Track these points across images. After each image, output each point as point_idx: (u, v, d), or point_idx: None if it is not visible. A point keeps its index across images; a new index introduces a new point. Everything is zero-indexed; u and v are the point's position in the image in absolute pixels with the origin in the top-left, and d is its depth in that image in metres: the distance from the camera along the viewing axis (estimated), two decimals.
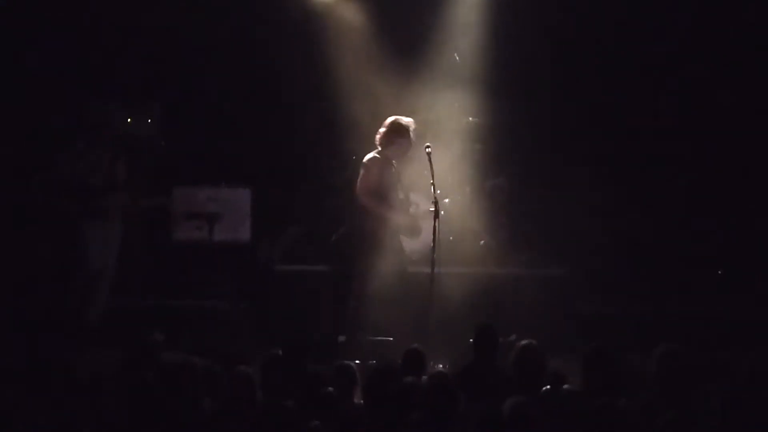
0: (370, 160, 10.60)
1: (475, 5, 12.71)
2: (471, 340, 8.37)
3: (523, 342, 7.73)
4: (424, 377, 7.50)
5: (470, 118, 12.55)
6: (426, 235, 10.62)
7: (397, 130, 10.59)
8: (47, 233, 11.32)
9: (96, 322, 10.75)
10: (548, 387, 7.17)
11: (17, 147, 12.07)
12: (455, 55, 12.60)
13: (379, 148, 10.63)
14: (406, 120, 10.62)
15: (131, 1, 12.49)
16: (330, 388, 7.05)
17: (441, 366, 9.30)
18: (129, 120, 12.37)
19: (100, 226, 10.71)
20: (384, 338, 10.35)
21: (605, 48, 12.86)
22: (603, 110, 12.91)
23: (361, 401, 7.28)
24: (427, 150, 10.42)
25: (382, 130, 10.63)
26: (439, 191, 10.40)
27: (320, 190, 12.44)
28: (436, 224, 10.25)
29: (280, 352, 7.75)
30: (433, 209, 10.27)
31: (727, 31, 12.75)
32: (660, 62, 12.89)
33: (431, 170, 10.32)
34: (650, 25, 12.79)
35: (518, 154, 12.85)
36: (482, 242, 12.20)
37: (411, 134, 10.60)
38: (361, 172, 10.59)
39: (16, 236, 11.79)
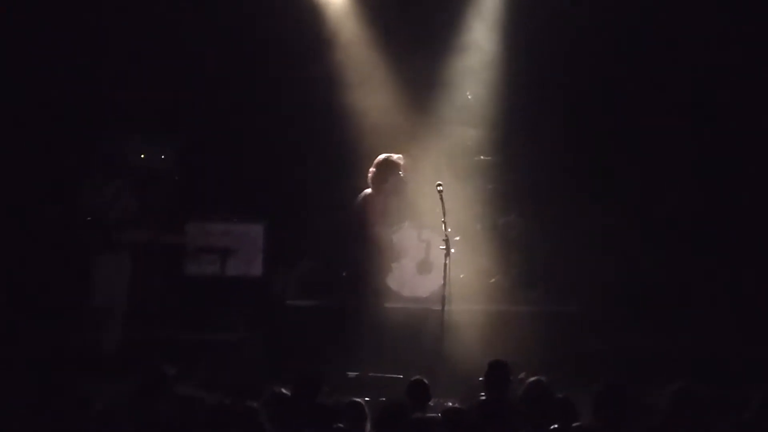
0: (366, 196, 10.69)
1: (487, 44, 12.79)
2: (481, 378, 8.39)
3: (532, 379, 7.75)
4: (432, 414, 7.51)
5: (481, 156, 12.61)
6: (437, 273, 10.69)
7: (389, 167, 10.68)
8: (58, 266, 11.39)
9: (112, 353, 10.78)
10: (556, 425, 7.18)
11: (33, 180, 12.14)
12: (467, 93, 12.68)
13: (372, 186, 10.72)
14: (396, 157, 10.73)
15: (147, 38, 12.60)
16: (340, 425, 7.06)
17: (450, 403, 9.32)
18: (143, 155, 12.44)
19: (110, 260, 10.76)
20: (394, 375, 10.37)
21: (619, 87, 12.92)
22: (615, 149, 12.96)
23: None
24: (438, 188, 10.51)
25: (373, 168, 10.72)
26: (450, 229, 10.47)
27: (332, 226, 12.48)
28: (447, 262, 10.33)
29: (285, 389, 7.75)
30: (444, 247, 10.34)
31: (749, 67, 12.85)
32: (677, 102, 12.95)
33: (443, 208, 10.40)
34: (667, 63, 12.86)
35: (529, 191, 12.89)
36: (493, 279, 12.23)
37: (402, 171, 10.69)
38: (363, 208, 10.67)
39: (28, 268, 11.84)
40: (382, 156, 10.77)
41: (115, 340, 10.87)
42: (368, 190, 10.77)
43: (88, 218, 10.70)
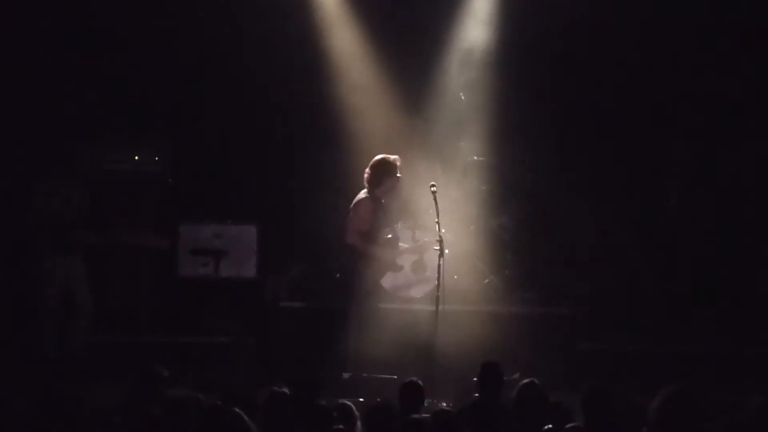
0: (360, 201, 10.71)
1: (480, 45, 12.80)
2: (475, 378, 8.40)
3: (525, 380, 7.76)
4: (425, 415, 7.52)
5: (475, 157, 12.62)
6: (431, 273, 10.70)
7: (385, 168, 10.69)
8: (9, 267, 11.37)
9: (76, 355, 10.75)
10: (550, 426, 7.18)
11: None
12: (461, 94, 12.68)
13: (368, 187, 10.72)
14: (392, 157, 10.74)
15: (141, 40, 12.60)
16: (340, 426, 7.06)
17: (444, 404, 9.34)
18: (136, 157, 12.44)
19: (62, 261, 10.70)
20: (388, 376, 10.37)
21: (612, 88, 12.92)
22: (608, 150, 12.97)
23: None
24: (432, 189, 10.52)
25: (369, 170, 10.72)
26: (444, 230, 10.48)
27: (326, 228, 12.49)
28: (441, 262, 10.33)
29: (285, 390, 7.75)
30: (437, 248, 10.35)
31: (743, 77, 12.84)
32: (668, 103, 12.96)
33: (436, 209, 10.42)
34: (657, 66, 12.87)
35: (523, 192, 12.90)
36: (487, 281, 12.24)
37: (398, 171, 10.71)
38: (352, 213, 10.70)
39: None
40: (378, 157, 10.78)
41: (81, 340, 10.81)
42: (364, 192, 10.77)
43: (45, 219, 10.63)
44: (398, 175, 10.75)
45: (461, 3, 12.84)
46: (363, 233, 10.67)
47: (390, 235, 11.27)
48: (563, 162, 12.86)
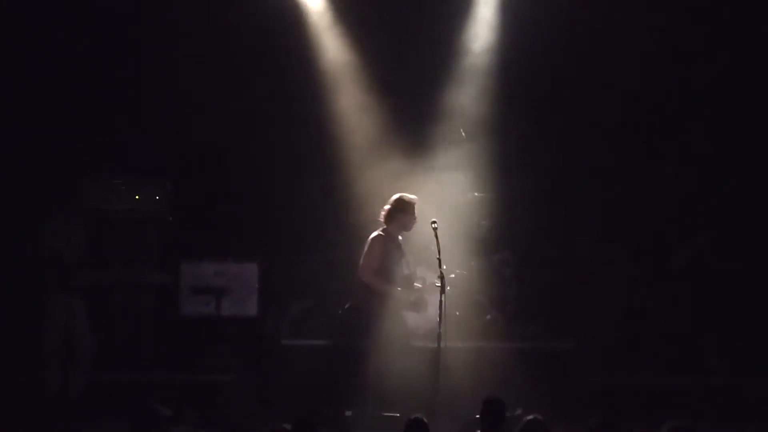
0: (374, 238, 10.68)
1: (479, 81, 12.84)
2: (477, 415, 8.37)
3: (529, 417, 7.73)
4: None
5: (476, 193, 12.63)
6: (432, 310, 10.67)
7: (402, 207, 10.68)
8: (11, 307, 11.36)
9: (77, 397, 10.70)
10: None
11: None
12: (461, 130, 12.71)
13: (384, 225, 10.72)
14: (410, 197, 10.72)
15: (141, 80, 12.66)
16: None
17: None
18: (137, 196, 12.44)
19: (63, 301, 10.68)
20: (391, 414, 10.33)
21: (612, 121, 12.94)
22: (609, 184, 12.98)
23: None
24: (433, 225, 10.52)
25: (386, 207, 10.72)
26: (445, 266, 10.47)
27: (327, 265, 12.48)
28: (443, 299, 10.31)
29: (288, 427, 7.73)
30: (439, 284, 10.34)
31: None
32: (668, 129, 12.98)
33: (437, 245, 10.41)
34: (659, 89, 12.89)
35: (524, 227, 12.90)
36: (489, 316, 12.22)
37: (415, 210, 10.69)
38: (365, 250, 10.66)
39: None
40: (396, 195, 10.74)
41: (81, 382, 10.76)
42: (380, 231, 10.73)
43: (48, 259, 10.61)
44: (415, 213, 10.71)
45: (462, 31, 12.88)
46: (375, 271, 10.62)
47: (407, 272, 11.15)
48: (563, 195, 12.86)
